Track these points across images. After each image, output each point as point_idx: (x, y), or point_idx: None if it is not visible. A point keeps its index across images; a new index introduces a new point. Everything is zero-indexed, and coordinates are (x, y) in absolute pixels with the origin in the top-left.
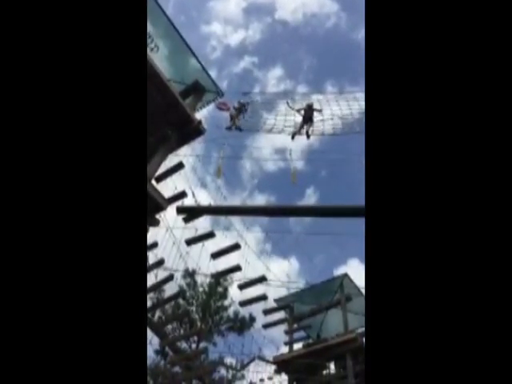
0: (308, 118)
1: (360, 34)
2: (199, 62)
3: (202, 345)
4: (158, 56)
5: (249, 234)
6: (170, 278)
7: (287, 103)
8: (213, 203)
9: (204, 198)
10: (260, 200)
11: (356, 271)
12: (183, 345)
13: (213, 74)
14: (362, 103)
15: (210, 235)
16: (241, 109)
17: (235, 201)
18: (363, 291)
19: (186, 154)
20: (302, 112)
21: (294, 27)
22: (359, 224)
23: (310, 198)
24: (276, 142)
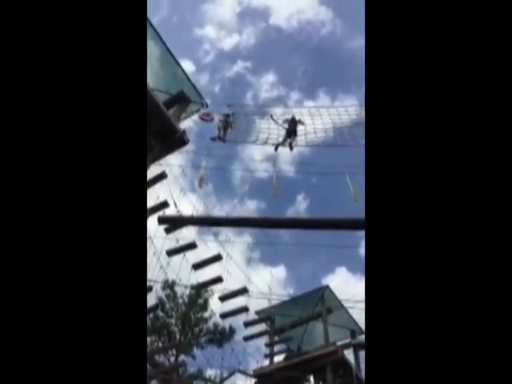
0: (292, 132)
1: (355, 42)
2: (184, 73)
3: (181, 358)
4: None
5: (234, 244)
6: (149, 289)
7: (271, 116)
8: (199, 212)
9: (189, 208)
10: (250, 206)
11: (343, 280)
12: (161, 358)
13: (205, 77)
14: (344, 118)
15: (191, 246)
16: (226, 121)
17: (225, 207)
18: (344, 303)
19: (168, 163)
20: (286, 125)
21: (288, 34)
22: (347, 233)
23: (301, 205)
24: (266, 149)
